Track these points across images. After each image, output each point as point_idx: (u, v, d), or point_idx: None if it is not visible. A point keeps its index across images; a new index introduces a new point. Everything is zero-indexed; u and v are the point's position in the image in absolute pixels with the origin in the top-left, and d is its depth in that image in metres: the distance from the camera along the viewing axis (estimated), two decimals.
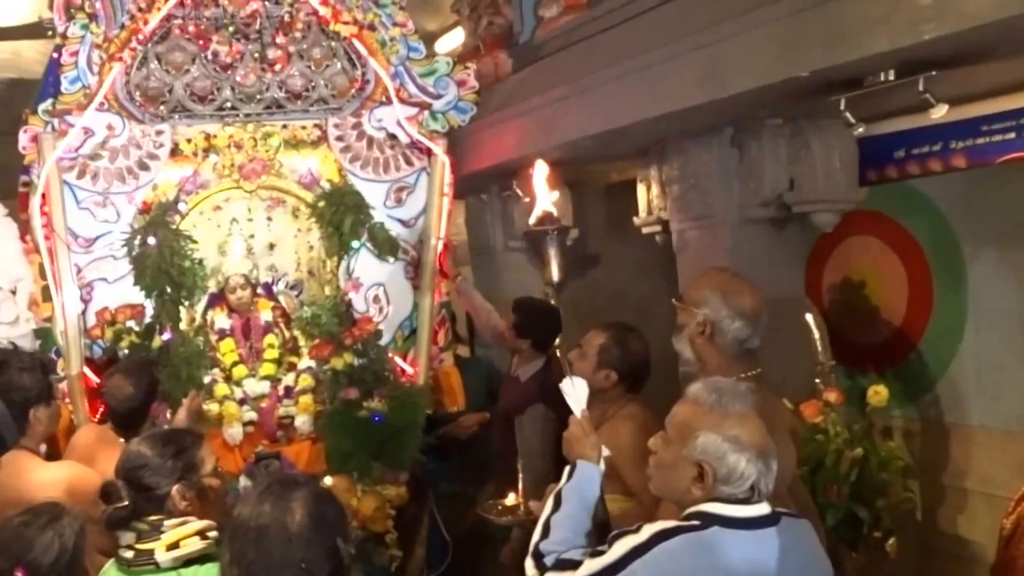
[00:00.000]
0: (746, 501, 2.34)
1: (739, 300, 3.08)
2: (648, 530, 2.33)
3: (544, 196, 3.23)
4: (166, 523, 2.64)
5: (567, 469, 2.78)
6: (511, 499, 3.90)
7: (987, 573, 4.22)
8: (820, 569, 2.51)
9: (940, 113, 3.50)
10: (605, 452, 2.80)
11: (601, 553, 2.39)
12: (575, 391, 2.91)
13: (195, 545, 2.58)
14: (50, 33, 5.16)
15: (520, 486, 3.86)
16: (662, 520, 2.42)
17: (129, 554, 2.65)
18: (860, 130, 3.91)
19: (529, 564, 2.62)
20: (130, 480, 2.71)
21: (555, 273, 3.15)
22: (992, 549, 4.16)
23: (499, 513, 3.90)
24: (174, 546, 2.59)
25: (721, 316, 3.06)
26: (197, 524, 2.64)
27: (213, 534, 2.60)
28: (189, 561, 2.57)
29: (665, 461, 2.47)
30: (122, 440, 3.79)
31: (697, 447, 2.35)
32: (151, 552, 2.60)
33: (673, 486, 2.44)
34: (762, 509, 2.36)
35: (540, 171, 3.31)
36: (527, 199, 5.58)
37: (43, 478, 3.40)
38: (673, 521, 2.36)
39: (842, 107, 3.71)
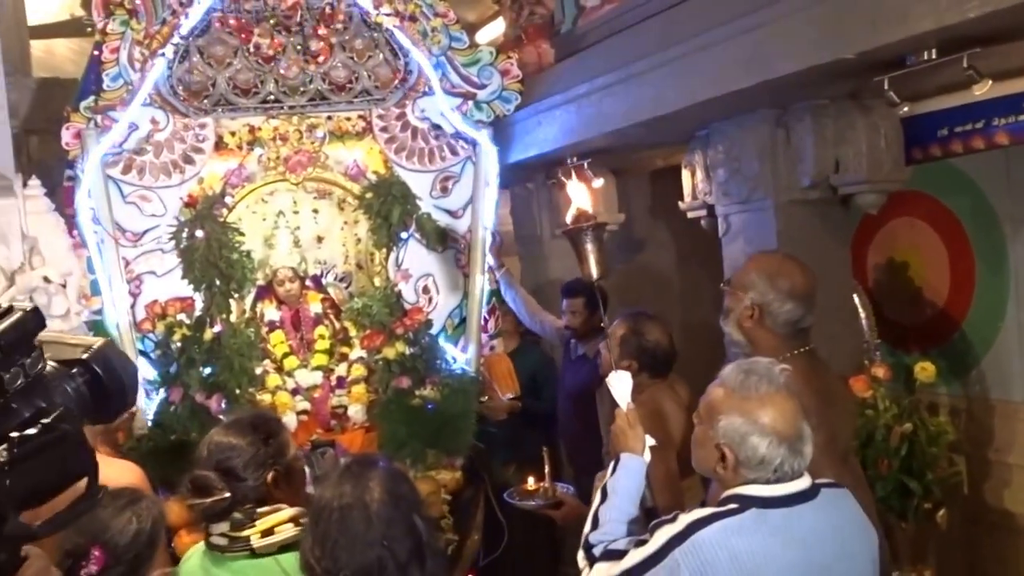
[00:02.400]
0: (779, 481, 2.45)
1: (788, 282, 3.21)
2: (684, 519, 2.46)
3: (579, 195, 3.46)
4: (258, 510, 2.76)
5: (612, 463, 2.98)
6: (531, 483, 4.18)
7: None
8: (865, 537, 2.62)
9: (984, 89, 3.75)
10: (651, 442, 2.99)
11: (644, 543, 2.52)
12: (620, 385, 3.11)
13: (290, 531, 2.68)
14: (89, 30, 5.45)
15: (547, 470, 4.14)
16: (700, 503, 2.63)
17: (222, 542, 2.77)
18: (904, 109, 4.17)
19: (580, 555, 2.80)
20: (224, 470, 2.81)
21: (594, 270, 3.36)
22: None
23: (522, 497, 4.16)
24: (269, 532, 2.70)
25: (769, 299, 3.20)
26: (290, 511, 2.74)
27: (305, 520, 2.64)
28: (284, 547, 2.66)
29: (697, 439, 2.63)
30: None
31: (720, 429, 2.49)
32: (247, 539, 2.72)
33: (705, 464, 2.60)
34: (800, 484, 2.48)
35: (572, 172, 3.54)
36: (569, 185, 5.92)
37: (107, 474, 3.55)
38: (709, 508, 2.48)
39: (886, 87, 3.97)
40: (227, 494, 2.77)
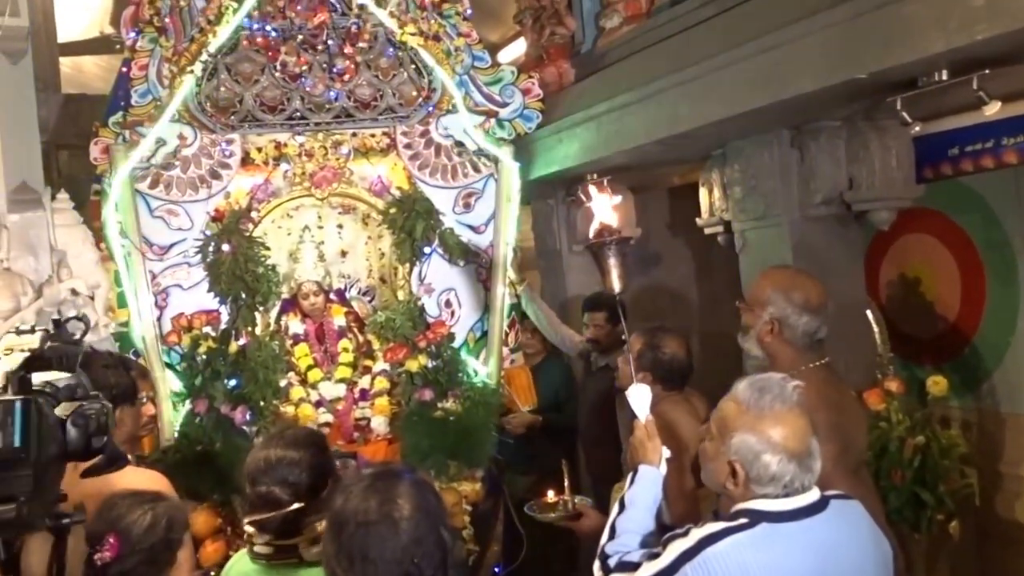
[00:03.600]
0: (788, 495, 2.51)
1: (803, 294, 3.35)
2: (696, 534, 2.52)
3: (602, 209, 3.60)
4: (306, 519, 2.89)
5: (631, 474, 3.05)
6: (551, 496, 4.25)
7: None
8: (876, 547, 2.67)
9: (993, 110, 3.93)
10: (667, 454, 3.05)
11: (656, 556, 2.59)
12: (639, 397, 3.21)
13: None
14: (118, 47, 5.65)
15: (567, 483, 4.24)
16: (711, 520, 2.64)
17: (267, 551, 2.93)
18: (916, 129, 4.32)
19: (596, 565, 2.86)
20: (288, 483, 2.95)
21: (616, 283, 3.52)
22: None
23: (542, 509, 4.22)
24: (316, 541, 2.78)
25: (787, 313, 3.34)
26: None
27: None
28: None
29: (708, 453, 2.68)
30: None
31: (732, 446, 2.54)
32: (293, 547, 2.88)
33: (715, 478, 2.66)
34: (810, 497, 2.55)
35: (595, 188, 3.68)
36: (588, 203, 6.08)
37: (131, 480, 3.42)
38: (720, 523, 2.52)
39: (898, 107, 4.14)
40: (299, 504, 2.91)
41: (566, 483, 4.26)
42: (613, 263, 3.50)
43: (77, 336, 2.17)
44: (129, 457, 3.70)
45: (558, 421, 6.28)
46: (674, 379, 4.26)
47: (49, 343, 2.07)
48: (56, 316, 4.58)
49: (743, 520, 2.50)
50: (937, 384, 5.10)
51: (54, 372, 2.05)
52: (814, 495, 2.56)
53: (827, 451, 2.93)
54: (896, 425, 4.94)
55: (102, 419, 2.01)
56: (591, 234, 3.61)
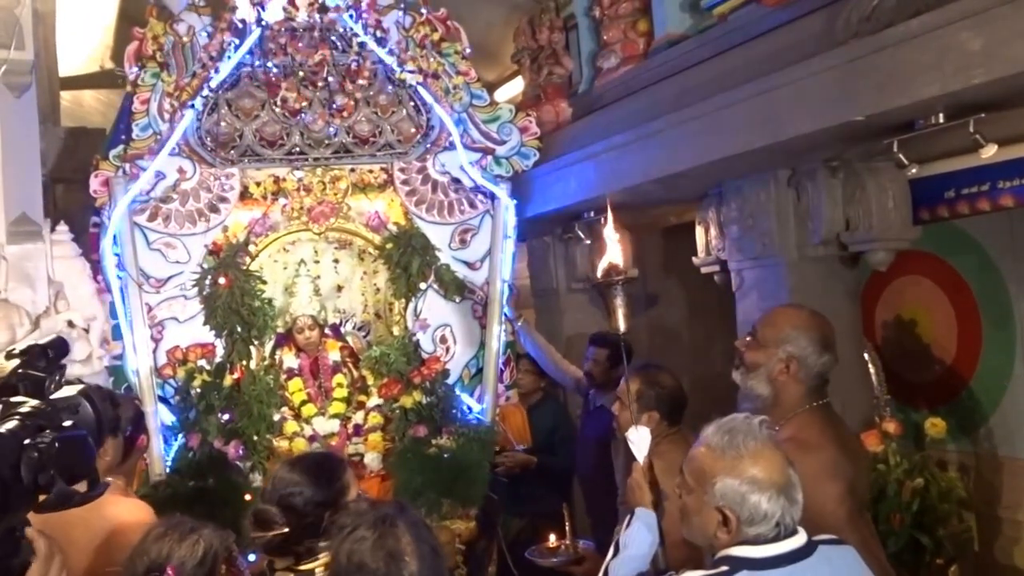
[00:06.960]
0: (775, 539, 2.45)
1: (819, 334, 3.35)
2: None
3: (612, 248, 3.60)
4: (320, 545, 2.92)
5: (628, 517, 3.08)
6: (553, 540, 4.30)
7: None
8: None
9: (989, 153, 3.97)
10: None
11: None
12: (639, 440, 3.22)
13: None
14: (119, 82, 5.68)
15: (568, 527, 4.28)
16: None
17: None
18: (912, 171, 4.39)
19: None
20: (285, 506, 3.03)
21: (622, 323, 3.44)
22: None
23: (544, 554, 4.28)
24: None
25: (807, 352, 3.32)
26: None
27: None
28: None
29: (689, 508, 2.61)
30: None
31: (716, 493, 2.47)
32: (311, 572, 2.94)
33: (702, 532, 2.57)
34: (795, 543, 2.47)
35: (609, 223, 3.69)
36: (588, 242, 6.10)
37: (115, 510, 3.44)
38: (700, 571, 2.47)
39: (894, 149, 4.19)
40: (285, 529, 2.98)
41: (567, 527, 4.29)
42: (619, 303, 3.47)
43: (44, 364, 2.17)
44: (108, 481, 3.78)
45: (552, 463, 6.26)
46: (677, 411, 4.23)
47: (19, 369, 2.06)
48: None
49: (723, 568, 2.44)
50: (935, 426, 5.12)
51: (19, 398, 2.07)
52: (800, 540, 2.49)
53: (832, 490, 3.04)
54: (894, 468, 4.96)
55: (46, 456, 1.90)
56: (599, 273, 3.58)
